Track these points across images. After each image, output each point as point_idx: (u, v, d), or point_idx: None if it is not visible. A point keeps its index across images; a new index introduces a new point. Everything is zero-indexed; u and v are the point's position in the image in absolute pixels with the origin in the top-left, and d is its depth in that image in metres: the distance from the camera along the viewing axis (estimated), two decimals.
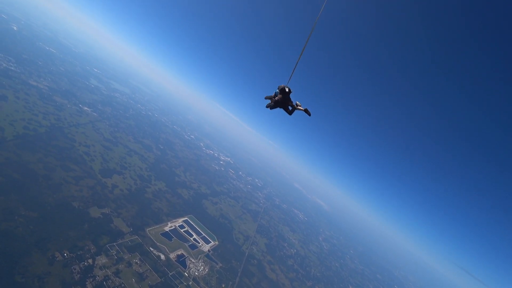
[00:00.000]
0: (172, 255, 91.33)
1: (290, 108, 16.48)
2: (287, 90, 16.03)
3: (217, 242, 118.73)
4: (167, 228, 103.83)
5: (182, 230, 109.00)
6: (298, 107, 16.20)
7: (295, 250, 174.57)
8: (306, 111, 16.20)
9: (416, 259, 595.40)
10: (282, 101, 16.25)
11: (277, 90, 16.54)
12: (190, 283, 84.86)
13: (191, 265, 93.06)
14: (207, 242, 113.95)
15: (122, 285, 67.78)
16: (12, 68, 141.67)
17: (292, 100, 16.31)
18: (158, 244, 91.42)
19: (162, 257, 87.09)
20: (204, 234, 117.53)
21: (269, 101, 17.32)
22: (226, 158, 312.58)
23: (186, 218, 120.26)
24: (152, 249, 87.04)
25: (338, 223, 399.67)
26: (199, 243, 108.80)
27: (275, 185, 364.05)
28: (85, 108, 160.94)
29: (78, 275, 62.11)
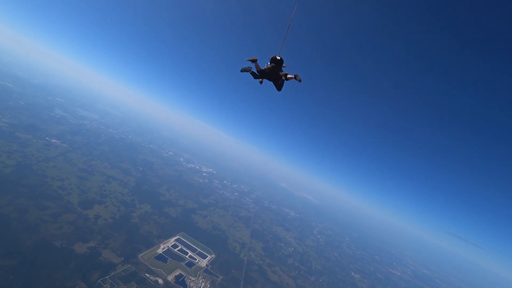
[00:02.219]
0: (170, 277, 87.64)
1: (279, 81, 15.23)
2: (278, 58, 14.95)
3: (213, 255, 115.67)
4: (160, 251, 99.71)
5: (176, 250, 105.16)
6: (288, 76, 14.99)
7: (292, 248, 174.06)
8: (296, 77, 14.96)
9: (409, 234, 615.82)
10: (271, 72, 14.99)
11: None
12: None
13: (192, 284, 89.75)
14: (204, 257, 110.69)
15: None
16: None
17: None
18: (153, 268, 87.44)
19: (160, 281, 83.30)
20: (199, 250, 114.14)
21: (249, 65, 15.57)
22: (209, 169, 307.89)
23: (178, 237, 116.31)
24: (148, 275, 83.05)
25: (329, 214, 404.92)
26: (195, 259, 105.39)
27: (262, 188, 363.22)
28: (53, 140, 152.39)
29: None
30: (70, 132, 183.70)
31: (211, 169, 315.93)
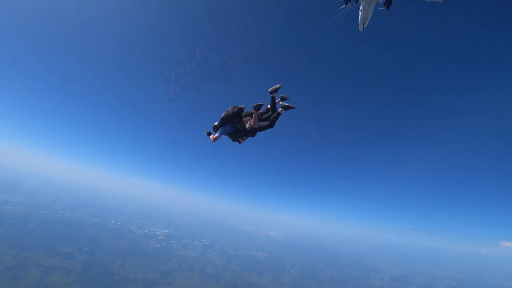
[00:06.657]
0: None
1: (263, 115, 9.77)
2: (235, 111, 9.58)
3: None
4: None
5: None
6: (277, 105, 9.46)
7: None
8: (283, 99, 9.24)
9: (376, 240, 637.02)
10: (236, 131, 10.09)
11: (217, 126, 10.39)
12: None
13: None
14: None
15: None
16: None
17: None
18: None
19: None
20: None
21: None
22: (164, 231, 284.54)
23: None
24: None
25: (297, 244, 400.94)
26: None
27: (224, 237, 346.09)
28: None
29: None
30: None
31: (166, 230, 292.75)
